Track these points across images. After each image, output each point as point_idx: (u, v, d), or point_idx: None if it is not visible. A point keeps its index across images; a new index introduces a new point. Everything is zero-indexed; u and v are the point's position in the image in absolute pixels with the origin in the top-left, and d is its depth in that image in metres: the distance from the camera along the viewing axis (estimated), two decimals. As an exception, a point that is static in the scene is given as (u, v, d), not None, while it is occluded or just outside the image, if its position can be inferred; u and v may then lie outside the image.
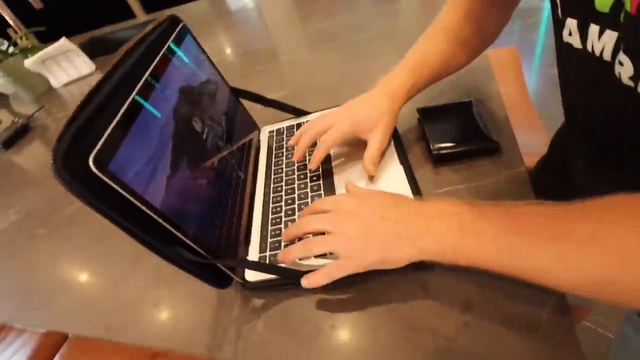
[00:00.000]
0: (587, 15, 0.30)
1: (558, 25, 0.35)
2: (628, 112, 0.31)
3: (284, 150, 0.59)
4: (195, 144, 0.45)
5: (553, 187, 0.57)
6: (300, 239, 0.43)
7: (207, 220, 0.42)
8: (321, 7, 1.21)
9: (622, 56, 0.27)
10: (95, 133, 0.31)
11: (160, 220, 0.34)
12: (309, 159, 0.55)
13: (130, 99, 0.36)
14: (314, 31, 1.07)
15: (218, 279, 0.42)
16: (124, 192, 0.31)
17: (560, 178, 0.55)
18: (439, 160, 0.50)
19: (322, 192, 0.50)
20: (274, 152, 0.60)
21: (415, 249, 0.34)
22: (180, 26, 0.50)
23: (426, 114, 0.55)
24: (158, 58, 0.43)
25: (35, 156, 1.04)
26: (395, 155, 0.51)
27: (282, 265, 0.42)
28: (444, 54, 0.51)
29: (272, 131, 0.65)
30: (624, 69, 0.27)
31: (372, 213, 0.37)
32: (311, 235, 0.41)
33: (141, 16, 2.15)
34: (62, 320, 0.51)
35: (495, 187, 0.46)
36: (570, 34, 0.34)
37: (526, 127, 0.83)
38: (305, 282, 0.38)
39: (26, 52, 1.44)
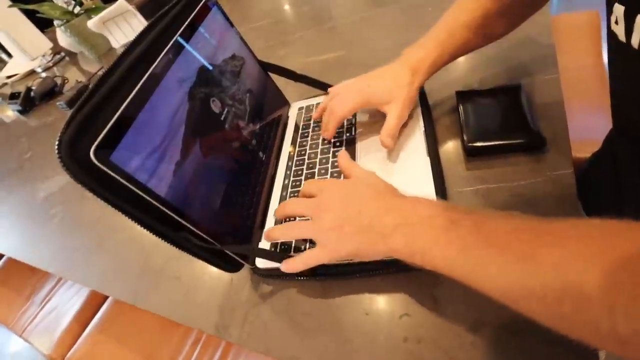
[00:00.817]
0: (635, 3, 0.25)
1: (608, 7, 0.28)
2: None
3: (310, 130, 0.57)
4: (212, 127, 0.44)
5: (598, 191, 0.50)
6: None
7: (221, 206, 0.42)
8: None
9: None
10: (101, 120, 0.31)
11: (165, 209, 0.34)
12: (334, 141, 0.53)
13: (141, 83, 0.35)
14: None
15: (229, 264, 0.43)
16: (126, 183, 0.31)
17: (609, 181, 0.47)
18: (473, 153, 0.45)
19: (342, 177, 0.48)
20: (300, 131, 0.58)
21: (386, 247, 0.33)
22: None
23: (465, 99, 0.49)
24: (176, 37, 0.41)
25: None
26: (424, 144, 0.47)
27: (292, 255, 0.42)
28: (478, 22, 0.45)
29: (302, 107, 0.62)
30: None
31: (351, 205, 0.37)
32: (297, 218, 0.43)
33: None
34: (99, 282, 0.56)
35: (534, 189, 0.40)
36: (616, 22, 0.28)
37: (595, 108, 0.72)
38: (285, 266, 0.38)
39: (90, 12, 1.51)
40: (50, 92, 1.33)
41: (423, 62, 0.46)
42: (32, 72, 1.67)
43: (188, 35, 0.43)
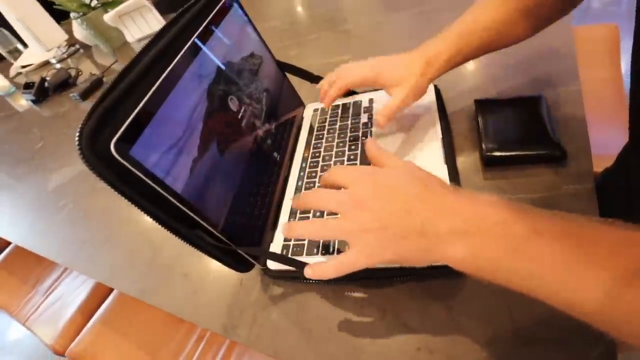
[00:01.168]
0: None
1: None
2: None
3: (325, 132, 0.57)
4: (229, 125, 0.44)
5: (610, 206, 0.49)
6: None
7: (234, 205, 0.42)
8: None
9: None
10: (122, 114, 0.31)
11: (181, 206, 0.34)
12: (349, 145, 0.53)
13: (161, 78, 0.35)
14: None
15: (240, 264, 0.42)
16: (144, 178, 0.31)
17: (621, 196, 0.47)
18: (491, 163, 0.44)
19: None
20: (315, 132, 0.58)
21: (441, 256, 0.29)
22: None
23: (484, 108, 0.48)
24: (197, 33, 0.41)
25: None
26: (441, 152, 0.46)
27: (301, 259, 0.41)
28: (499, 22, 0.44)
29: (317, 109, 0.62)
30: None
31: (394, 202, 0.31)
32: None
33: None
34: (107, 274, 0.56)
35: (554, 202, 0.39)
36: None
37: (611, 122, 0.71)
38: (310, 271, 0.34)
39: (106, 6, 1.53)
40: (64, 84, 1.34)
41: (439, 56, 0.45)
42: (46, 63, 1.68)
43: (208, 33, 0.43)
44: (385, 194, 0.32)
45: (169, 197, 0.33)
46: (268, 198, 0.48)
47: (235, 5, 0.50)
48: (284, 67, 0.58)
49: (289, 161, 0.55)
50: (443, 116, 0.51)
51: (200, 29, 0.42)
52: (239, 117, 0.46)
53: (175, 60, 0.37)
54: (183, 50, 0.38)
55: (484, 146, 0.44)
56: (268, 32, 0.54)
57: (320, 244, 0.42)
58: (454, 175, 0.44)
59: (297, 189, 0.50)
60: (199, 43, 0.41)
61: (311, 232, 0.34)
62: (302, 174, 0.52)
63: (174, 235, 0.35)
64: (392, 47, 0.51)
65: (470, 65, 0.60)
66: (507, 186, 0.43)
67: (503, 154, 0.43)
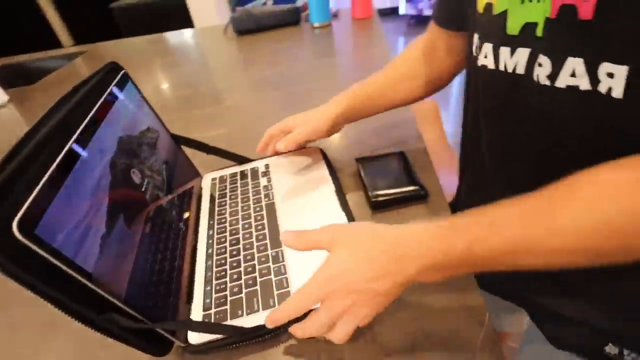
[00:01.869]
0: (498, 39, 0.38)
1: (476, 50, 0.43)
2: (537, 129, 0.38)
3: (227, 199, 0.59)
4: (134, 198, 0.42)
5: None
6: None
7: (146, 280, 0.39)
8: (263, 54, 1.25)
9: (541, 58, 0.34)
10: (21, 190, 0.28)
11: (94, 287, 0.31)
12: (254, 207, 0.55)
13: (64, 152, 0.33)
14: (258, 79, 1.09)
15: (156, 345, 0.39)
16: (52, 259, 0.28)
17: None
18: (377, 206, 0.53)
19: (267, 241, 0.50)
20: (217, 201, 0.59)
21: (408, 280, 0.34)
22: (121, 74, 0.48)
23: (364, 164, 0.59)
24: (96, 107, 0.41)
25: None
26: (337, 202, 0.53)
27: (229, 323, 0.40)
28: (385, 86, 0.58)
29: (215, 178, 0.64)
30: (543, 69, 0.34)
31: (363, 279, 0.34)
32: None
33: (69, 46, 2.01)
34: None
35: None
36: (485, 57, 0.41)
37: (448, 170, 0.93)
38: (300, 333, 0.37)
39: None
40: None
41: (336, 110, 0.57)
42: None
43: (106, 107, 0.43)
44: (353, 275, 0.34)
45: (81, 278, 0.30)
46: (177, 271, 0.46)
47: (130, 82, 0.50)
48: (178, 140, 0.59)
49: (194, 232, 0.54)
50: (332, 172, 0.59)
51: (99, 103, 0.41)
52: (143, 189, 0.44)
53: (76, 135, 0.36)
54: (83, 125, 0.37)
55: (369, 193, 0.53)
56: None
57: (244, 304, 0.42)
58: (350, 219, 0.50)
59: (209, 257, 0.49)
60: (97, 118, 0.41)
61: (319, 328, 0.35)
62: (210, 241, 0.52)
63: (82, 323, 0.31)
64: (267, 120, 0.61)
65: (349, 131, 0.72)
66: (394, 221, 0.51)
67: (385, 198, 0.53)
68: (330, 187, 0.56)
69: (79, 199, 0.33)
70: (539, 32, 0.34)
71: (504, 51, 0.38)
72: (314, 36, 1.32)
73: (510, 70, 0.38)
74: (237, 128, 0.84)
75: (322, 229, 0.38)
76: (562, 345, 0.50)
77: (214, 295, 0.44)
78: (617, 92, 0.30)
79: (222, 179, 0.63)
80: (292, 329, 0.37)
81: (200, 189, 0.62)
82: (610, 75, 0.30)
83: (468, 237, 0.31)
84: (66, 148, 0.34)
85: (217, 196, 0.60)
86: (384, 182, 0.55)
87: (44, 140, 0.33)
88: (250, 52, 1.31)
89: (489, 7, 0.40)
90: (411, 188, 0.53)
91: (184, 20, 2.74)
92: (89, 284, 0.31)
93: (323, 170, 0.60)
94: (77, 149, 0.35)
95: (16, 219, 0.26)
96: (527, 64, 0.36)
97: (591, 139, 0.35)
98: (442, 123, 1.24)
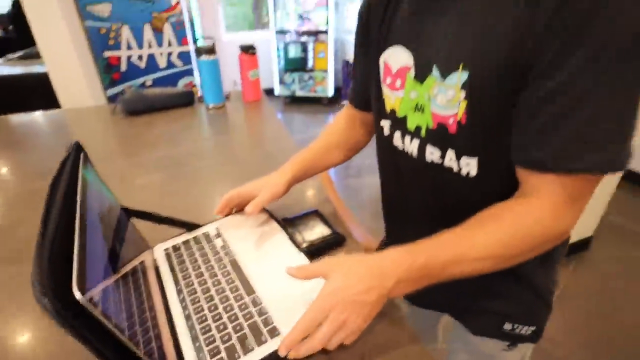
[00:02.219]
0: (404, 131, 0.56)
1: (389, 133, 0.60)
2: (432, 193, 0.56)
3: (188, 263, 0.61)
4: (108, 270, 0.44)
5: None
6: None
7: (145, 347, 0.41)
8: (160, 133, 1.26)
9: (429, 148, 0.52)
10: (63, 260, 0.31)
11: (132, 346, 0.33)
12: (218, 265, 0.60)
13: (77, 225, 0.36)
14: (157, 158, 1.09)
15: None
16: (105, 321, 0.31)
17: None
18: (309, 254, 0.62)
19: (241, 291, 0.54)
20: (177, 268, 0.60)
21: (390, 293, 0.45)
22: (83, 152, 0.51)
23: (289, 223, 0.71)
24: (80, 185, 0.43)
25: None
26: (294, 248, 0.62)
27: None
28: (322, 152, 0.74)
29: (168, 248, 0.65)
30: (431, 155, 0.52)
31: (357, 292, 0.43)
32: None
33: None
34: None
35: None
36: (396, 140, 0.58)
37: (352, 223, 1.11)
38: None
39: None
40: None
41: (287, 175, 0.68)
42: None
43: (85, 184, 0.45)
44: (349, 290, 0.44)
45: (123, 338, 0.32)
46: (156, 340, 0.46)
47: (88, 162, 0.52)
48: (129, 213, 0.61)
49: (163, 302, 0.54)
50: (282, 227, 0.68)
51: (80, 176, 0.44)
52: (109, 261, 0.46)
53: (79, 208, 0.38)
54: (79, 200, 0.40)
55: (299, 247, 0.63)
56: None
57: (238, 347, 0.46)
58: (310, 259, 0.60)
59: (187, 317, 0.51)
60: (84, 190, 0.43)
61: (322, 339, 0.43)
62: (184, 304, 0.53)
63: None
64: (178, 197, 0.66)
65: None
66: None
67: (313, 247, 0.65)
68: (283, 236, 0.65)
69: (97, 264, 0.36)
70: (423, 133, 0.53)
71: (407, 139, 0.56)
72: (209, 116, 1.41)
73: (408, 152, 0.57)
74: (152, 205, 0.86)
75: (319, 262, 0.48)
76: (478, 331, 0.66)
77: (205, 349, 0.47)
78: (472, 173, 0.49)
79: (176, 248, 0.65)
80: (295, 349, 0.43)
81: (154, 260, 0.63)
82: (467, 163, 0.49)
83: (425, 254, 0.45)
84: (77, 224, 0.36)
85: (176, 263, 0.62)
86: (307, 234, 0.68)
87: (59, 221, 0.35)
88: (148, 132, 1.29)
89: (393, 111, 0.58)
90: (331, 235, 0.67)
91: (48, 98, 2.49)
92: (128, 343, 0.33)
93: (273, 223, 0.68)
94: (82, 223, 0.38)
95: (73, 285, 0.29)
96: (418, 150, 0.55)
97: (465, 201, 0.52)
98: (334, 187, 1.45)
